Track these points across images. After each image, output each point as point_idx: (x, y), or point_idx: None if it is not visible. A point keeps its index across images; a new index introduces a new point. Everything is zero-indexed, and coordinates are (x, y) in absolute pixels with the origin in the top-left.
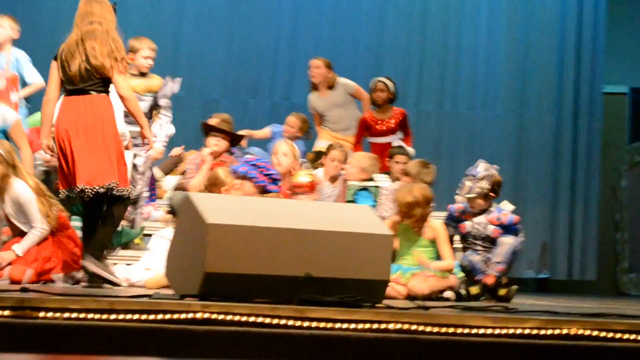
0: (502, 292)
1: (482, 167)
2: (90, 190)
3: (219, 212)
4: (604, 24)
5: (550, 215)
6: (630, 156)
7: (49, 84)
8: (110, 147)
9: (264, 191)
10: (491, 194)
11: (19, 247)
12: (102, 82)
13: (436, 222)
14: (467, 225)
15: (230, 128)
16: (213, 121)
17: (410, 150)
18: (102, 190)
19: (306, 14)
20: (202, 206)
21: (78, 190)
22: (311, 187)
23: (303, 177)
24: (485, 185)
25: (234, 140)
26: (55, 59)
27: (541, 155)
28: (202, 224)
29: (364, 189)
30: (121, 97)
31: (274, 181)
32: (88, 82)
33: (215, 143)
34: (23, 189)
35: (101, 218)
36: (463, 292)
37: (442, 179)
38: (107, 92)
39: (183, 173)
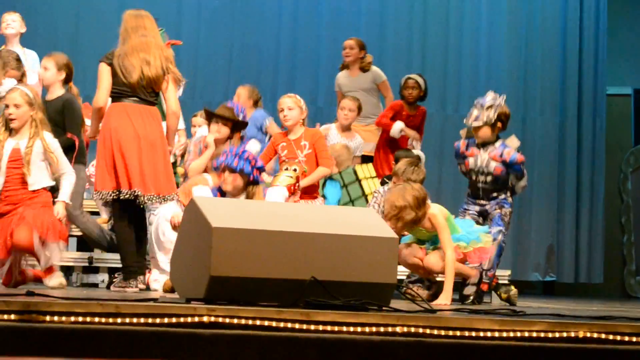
0: (504, 295)
1: (490, 97)
2: (154, 198)
3: (224, 216)
4: (606, 25)
5: (556, 218)
6: (635, 158)
7: (102, 88)
8: (169, 161)
9: (254, 182)
10: (498, 124)
11: (64, 195)
12: (155, 94)
13: (434, 209)
14: (470, 162)
15: (233, 114)
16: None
17: (420, 153)
18: (161, 200)
19: (306, 15)
20: (206, 210)
21: (134, 194)
22: (290, 191)
23: (283, 180)
24: (492, 114)
25: (236, 126)
26: (109, 64)
27: (546, 157)
28: (207, 227)
29: (331, 177)
30: (170, 112)
31: (260, 173)
32: (145, 92)
33: (217, 129)
34: (50, 137)
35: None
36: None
37: (446, 182)
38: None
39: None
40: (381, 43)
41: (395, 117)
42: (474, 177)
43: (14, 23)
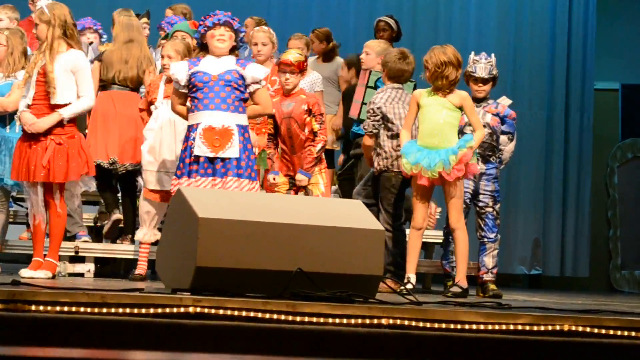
0: (493, 287)
1: (484, 55)
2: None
3: (210, 206)
4: (594, 20)
5: (542, 211)
6: (622, 153)
7: (94, 88)
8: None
9: (234, 48)
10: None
11: (65, 111)
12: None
13: (464, 92)
14: (465, 116)
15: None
16: None
17: None
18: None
19: (295, 12)
20: (193, 200)
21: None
22: (298, 67)
23: (292, 54)
24: (495, 71)
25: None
26: (99, 62)
27: (533, 151)
28: (193, 217)
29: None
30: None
31: (242, 41)
32: (126, 83)
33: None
34: (80, 56)
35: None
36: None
37: None
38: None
39: None
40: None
41: None
42: (469, 132)
43: None
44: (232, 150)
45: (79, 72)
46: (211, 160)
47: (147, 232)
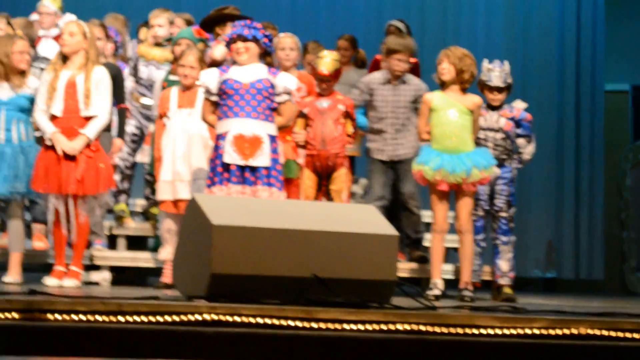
0: (507, 290)
1: (498, 62)
2: None
3: (224, 213)
4: (604, 21)
5: (555, 214)
6: (633, 154)
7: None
8: None
9: (267, 52)
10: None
11: (89, 131)
12: None
13: (478, 98)
14: (480, 120)
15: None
16: None
17: None
18: None
19: (304, 6)
20: (207, 207)
21: None
22: (334, 76)
23: (325, 65)
24: (510, 79)
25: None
26: None
27: (544, 154)
28: (207, 225)
29: None
30: None
31: (270, 41)
32: None
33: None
34: (104, 72)
35: None
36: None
37: None
38: None
39: None
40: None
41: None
42: (483, 136)
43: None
44: (262, 159)
45: (100, 88)
46: (241, 168)
47: (170, 250)
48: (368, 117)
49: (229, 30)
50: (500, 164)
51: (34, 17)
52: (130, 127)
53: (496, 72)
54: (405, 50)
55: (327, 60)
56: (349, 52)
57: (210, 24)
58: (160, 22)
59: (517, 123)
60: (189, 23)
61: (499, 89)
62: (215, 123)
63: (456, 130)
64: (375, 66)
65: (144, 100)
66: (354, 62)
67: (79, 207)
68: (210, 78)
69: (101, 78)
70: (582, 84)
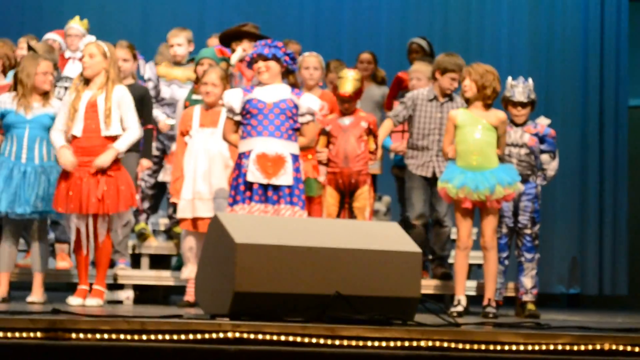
0: (531, 306)
1: (522, 79)
2: None
3: (247, 232)
4: (627, 36)
5: (579, 230)
6: None
7: None
8: None
9: (289, 70)
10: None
11: (120, 145)
12: None
13: (503, 113)
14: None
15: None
16: None
17: None
18: None
19: (327, 10)
20: (230, 226)
21: None
22: (356, 95)
23: (347, 86)
24: (534, 95)
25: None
26: None
27: (568, 169)
28: (230, 243)
29: None
30: None
31: (293, 60)
32: None
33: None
34: (125, 90)
35: None
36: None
37: None
38: None
39: None
40: (401, 58)
41: (401, 87)
42: (507, 152)
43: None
44: (285, 178)
45: (124, 106)
46: (264, 187)
47: (192, 269)
48: (410, 132)
49: (245, 45)
50: (524, 180)
51: (50, 35)
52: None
53: (519, 88)
54: (459, 70)
55: (348, 80)
56: (372, 65)
57: (228, 39)
58: (180, 42)
59: (541, 139)
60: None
61: (522, 105)
62: (237, 143)
63: (480, 147)
64: (398, 84)
65: (169, 121)
66: (372, 79)
67: (99, 226)
68: (234, 98)
69: (122, 96)
70: (605, 100)
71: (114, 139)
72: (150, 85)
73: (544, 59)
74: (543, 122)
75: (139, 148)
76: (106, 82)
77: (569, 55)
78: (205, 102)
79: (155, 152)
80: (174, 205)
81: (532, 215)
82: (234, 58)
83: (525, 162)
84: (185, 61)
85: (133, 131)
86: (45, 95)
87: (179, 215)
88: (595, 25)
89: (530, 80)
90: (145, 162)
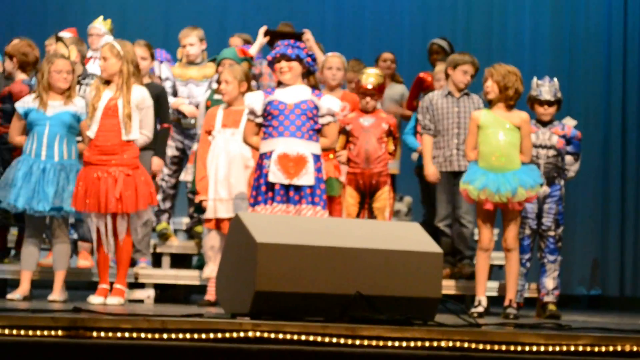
0: (552, 307)
1: (548, 78)
2: None
3: (268, 231)
4: None
5: (600, 231)
6: None
7: None
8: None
9: (310, 71)
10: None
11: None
12: None
13: (525, 113)
14: (532, 136)
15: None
16: None
17: None
18: None
19: (349, 13)
20: (251, 225)
21: None
22: (379, 90)
23: (370, 80)
24: (560, 94)
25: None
26: None
27: (590, 171)
28: (251, 243)
29: None
30: None
31: (314, 61)
32: None
33: None
34: (146, 92)
35: None
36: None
37: None
38: None
39: None
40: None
41: (422, 88)
42: (534, 153)
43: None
44: (307, 178)
45: (144, 109)
46: (285, 188)
47: (213, 268)
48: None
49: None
50: (550, 182)
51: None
52: (171, 149)
53: (546, 87)
54: (470, 62)
55: (371, 75)
56: (394, 64)
57: (277, 37)
58: (192, 41)
59: (568, 141)
60: (247, 43)
61: (549, 103)
62: (257, 145)
63: (504, 148)
64: (419, 84)
65: (186, 121)
66: (392, 78)
67: (118, 225)
68: (256, 100)
69: (143, 99)
70: (628, 101)
71: (130, 140)
72: (168, 84)
73: (567, 60)
74: (570, 123)
75: (152, 145)
76: (122, 82)
77: (591, 56)
78: (224, 101)
79: (175, 153)
80: (196, 205)
81: (556, 217)
82: (254, 48)
83: (552, 164)
84: (199, 60)
85: (146, 136)
86: (66, 92)
87: (206, 215)
88: (619, 26)
89: (555, 80)
90: (157, 161)
